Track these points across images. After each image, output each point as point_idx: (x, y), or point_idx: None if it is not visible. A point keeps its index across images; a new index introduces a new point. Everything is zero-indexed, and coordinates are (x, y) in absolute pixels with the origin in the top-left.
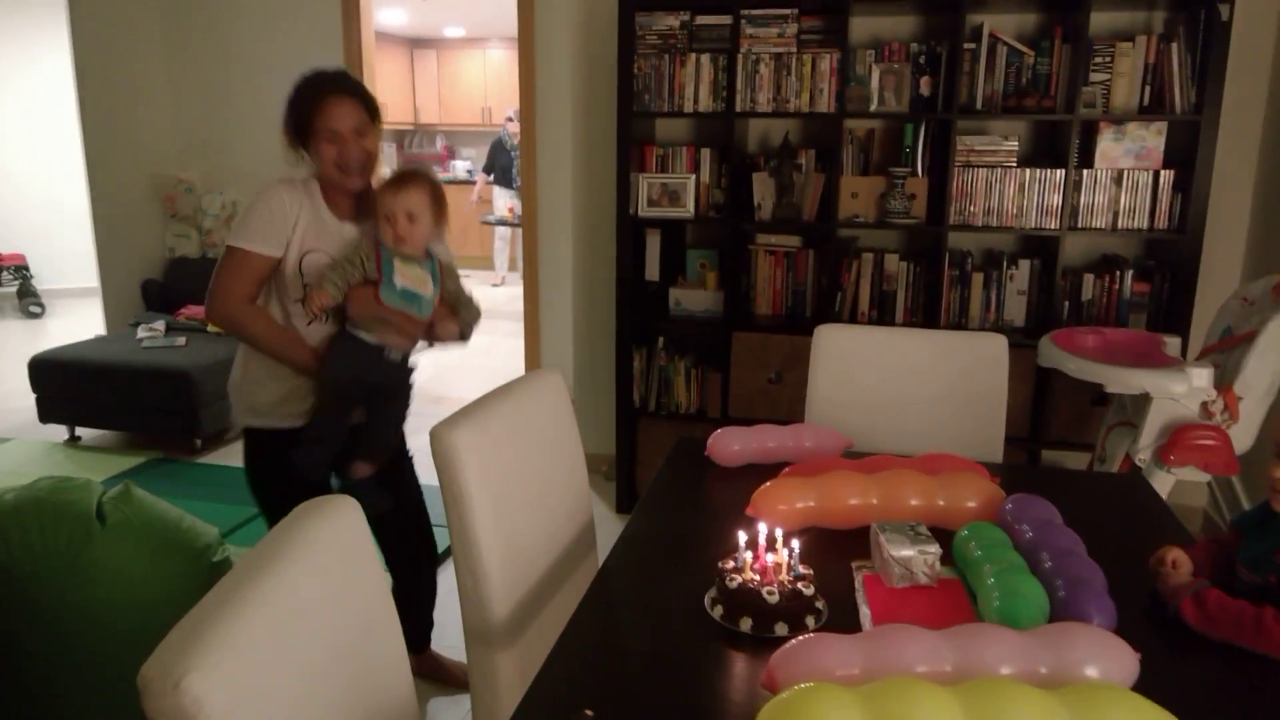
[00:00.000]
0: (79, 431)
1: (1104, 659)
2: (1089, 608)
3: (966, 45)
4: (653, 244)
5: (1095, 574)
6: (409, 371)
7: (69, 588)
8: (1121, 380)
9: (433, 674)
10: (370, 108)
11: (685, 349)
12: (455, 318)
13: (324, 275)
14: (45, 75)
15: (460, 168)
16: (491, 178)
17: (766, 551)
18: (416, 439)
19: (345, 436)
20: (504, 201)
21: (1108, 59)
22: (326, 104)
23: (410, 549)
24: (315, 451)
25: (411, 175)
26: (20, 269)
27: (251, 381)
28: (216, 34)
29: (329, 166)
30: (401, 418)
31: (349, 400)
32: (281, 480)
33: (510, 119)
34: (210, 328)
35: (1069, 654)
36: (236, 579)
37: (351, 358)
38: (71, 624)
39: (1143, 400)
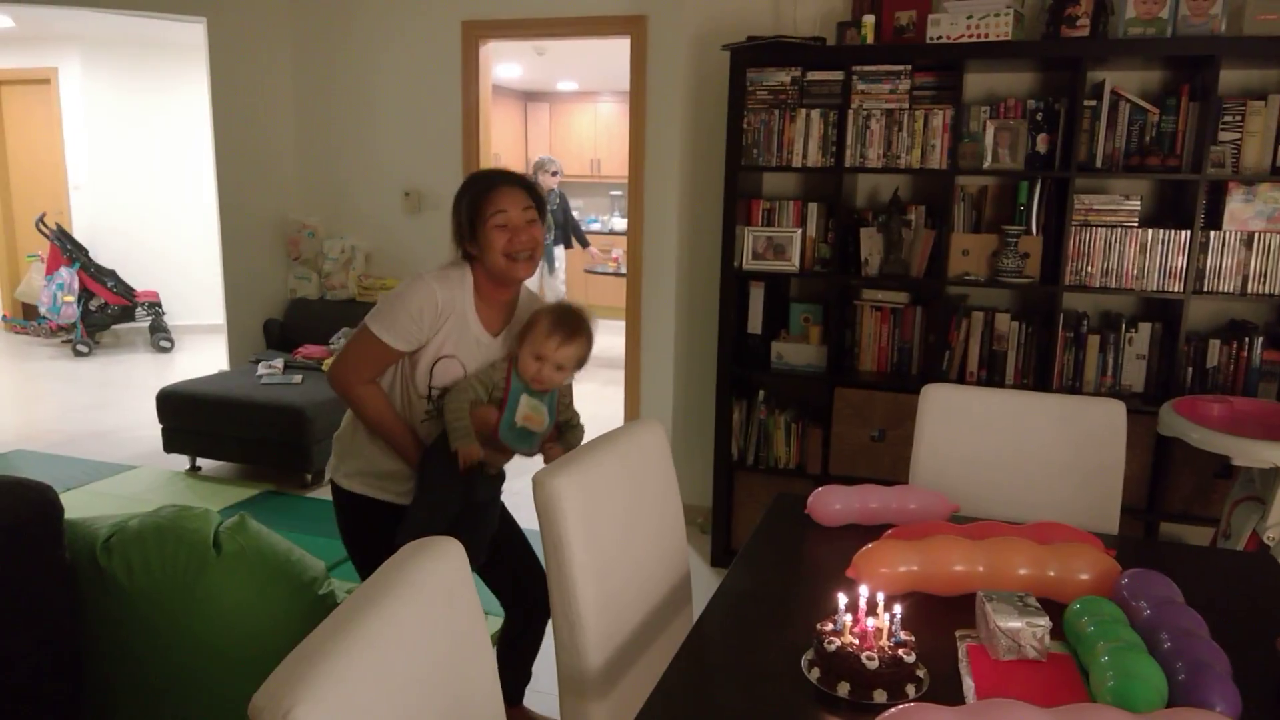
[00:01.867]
0: (199, 462)
1: None
2: (1211, 694)
3: (1087, 102)
4: (756, 297)
5: (1218, 657)
6: (501, 480)
7: (183, 612)
8: (1250, 453)
9: None
10: (537, 197)
11: (786, 403)
12: (559, 442)
13: (454, 391)
14: (183, 120)
15: None
16: None
17: (867, 615)
18: (517, 481)
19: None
20: None
21: (1238, 118)
22: (498, 192)
23: (524, 597)
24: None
25: (579, 329)
26: (154, 305)
27: (361, 446)
28: (343, 86)
29: (497, 255)
30: (493, 525)
31: (447, 511)
32: (374, 544)
33: (542, 168)
34: (325, 367)
35: None
36: (345, 614)
37: (455, 480)
38: (183, 647)
39: (1273, 475)
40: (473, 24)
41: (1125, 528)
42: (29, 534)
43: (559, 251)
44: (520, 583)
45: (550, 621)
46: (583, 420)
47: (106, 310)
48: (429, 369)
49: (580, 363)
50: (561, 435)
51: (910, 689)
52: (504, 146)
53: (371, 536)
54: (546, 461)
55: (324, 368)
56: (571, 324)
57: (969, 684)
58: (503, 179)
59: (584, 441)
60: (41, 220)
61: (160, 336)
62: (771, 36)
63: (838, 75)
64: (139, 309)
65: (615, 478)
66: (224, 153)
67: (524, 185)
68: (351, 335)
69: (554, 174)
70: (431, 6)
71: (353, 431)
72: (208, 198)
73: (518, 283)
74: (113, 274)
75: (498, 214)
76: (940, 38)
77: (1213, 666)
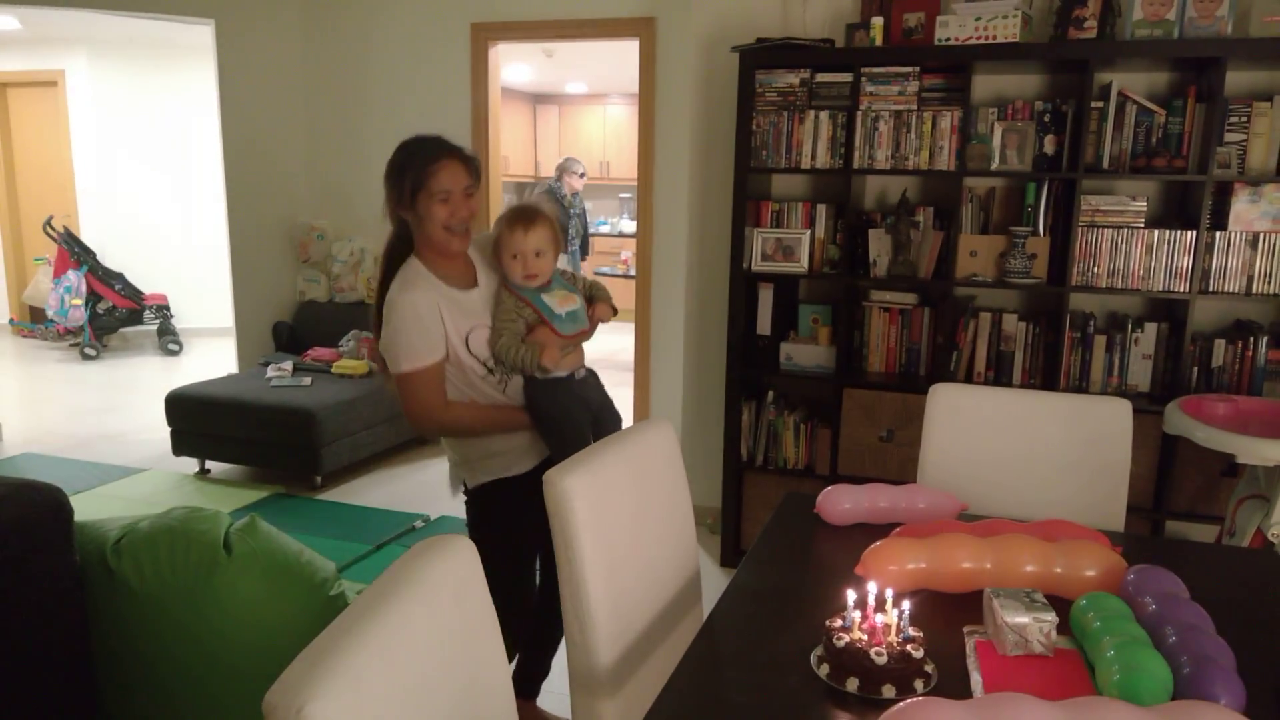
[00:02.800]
0: (209, 464)
1: None
2: (1216, 687)
3: (1094, 104)
4: (765, 298)
5: (1223, 652)
6: (596, 375)
7: (194, 613)
8: (1255, 451)
9: None
10: (474, 169)
11: (795, 404)
12: (602, 303)
13: (497, 341)
14: (191, 122)
15: None
16: None
17: (876, 612)
18: None
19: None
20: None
21: (1244, 119)
22: (439, 166)
23: (554, 584)
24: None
25: (534, 214)
26: (162, 308)
27: (472, 446)
28: (352, 87)
29: (438, 228)
30: (618, 415)
31: (585, 428)
32: (503, 535)
33: (568, 169)
34: (334, 369)
35: None
36: (356, 613)
37: (566, 397)
38: (194, 648)
39: (1277, 473)
40: (482, 26)
41: (1131, 526)
42: (39, 536)
43: (581, 262)
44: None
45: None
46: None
47: (114, 313)
48: (467, 352)
49: (555, 243)
50: (594, 302)
51: (919, 684)
52: (512, 148)
53: (502, 518)
54: (604, 320)
55: (334, 370)
56: (524, 212)
57: (977, 679)
58: (445, 152)
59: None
60: (49, 223)
61: (168, 339)
62: (780, 38)
63: (846, 77)
64: (147, 312)
65: (625, 477)
66: (233, 155)
67: (463, 158)
68: (397, 394)
69: (580, 175)
70: (441, 8)
71: (457, 443)
72: (216, 200)
73: (457, 253)
74: (120, 277)
75: (439, 189)
76: (948, 39)
77: (1217, 660)
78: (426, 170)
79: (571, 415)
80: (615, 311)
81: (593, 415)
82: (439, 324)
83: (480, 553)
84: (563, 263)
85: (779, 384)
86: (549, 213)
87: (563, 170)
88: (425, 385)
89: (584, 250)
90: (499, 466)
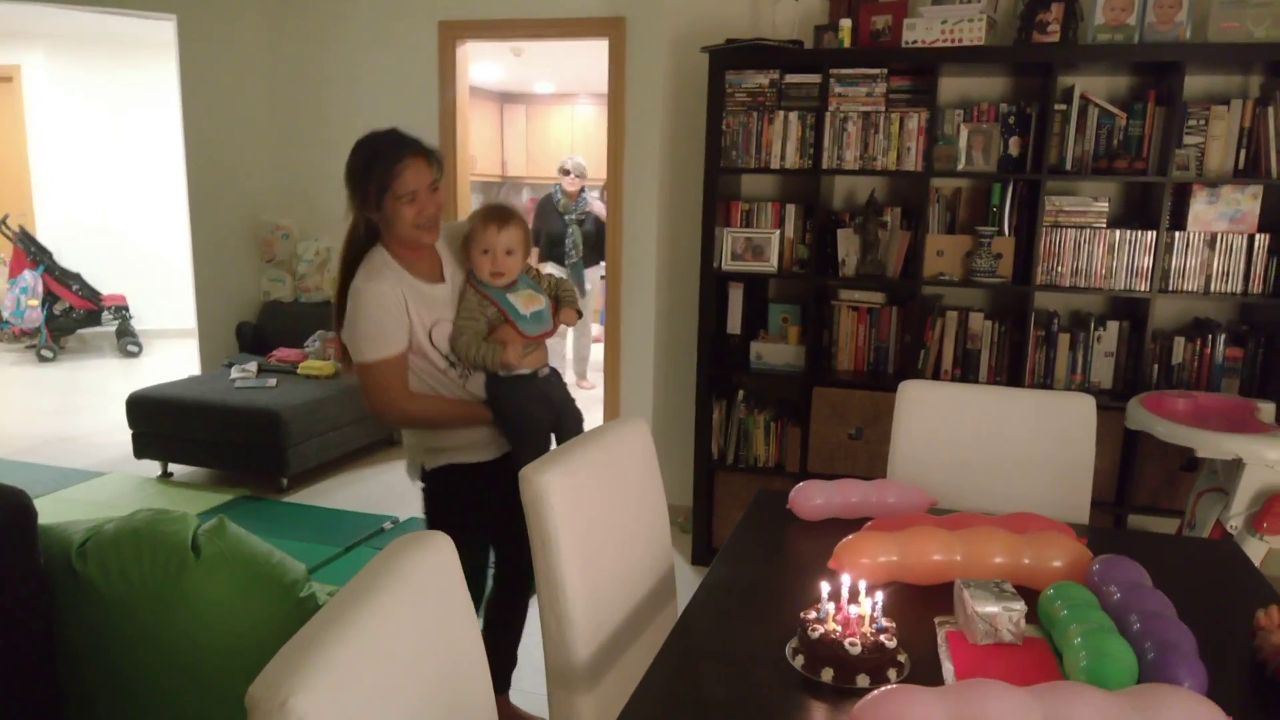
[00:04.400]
0: (171, 468)
1: None
2: (1179, 671)
3: (1057, 106)
4: (735, 298)
5: (1186, 637)
6: (559, 375)
7: (163, 616)
8: (1214, 445)
9: None
10: (436, 163)
11: (765, 402)
12: (568, 308)
13: (457, 339)
14: (152, 120)
15: None
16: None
17: (849, 604)
18: None
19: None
20: None
21: (1202, 122)
22: (403, 166)
23: (515, 574)
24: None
25: (508, 213)
26: (120, 309)
27: (430, 437)
28: (318, 85)
29: (407, 227)
30: (579, 414)
31: (545, 427)
32: (460, 520)
33: (568, 171)
34: (300, 370)
35: (1159, 715)
36: (338, 606)
37: (526, 396)
38: (163, 652)
39: (1235, 466)
40: (450, 24)
41: (1095, 520)
42: (3, 539)
43: (590, 274)
44: (513, 555)
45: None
46: None
47: (72, 314)
48: (430, 345)
49: (526, 244)
50: (561, 305)
51: (892, 673)
52: (479, 148)
53: (458, 502)
54: (568, 324)
55: (299, 371)
56: (499, 211)
57: (948, 667)
58: (407, 149)
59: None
60: (4, 222)
61: (128, 341)
62: (750, 39)
63: (815, 78)
64: (105, 313)
65: (601, 474)
66: (195, 153)
67: (425, 153)
68: (360, 384)
69: (568, 173)
70: (408, 6)
71: (416, 434)
72: (177, 199)
73: (426, 246)
74: (78, 277)
75: (405, 190)
76: (915, 42)
77: (1181, 645)
78: (390, 172)
79: (531, 413)
80: (580, 315)
81: (555, 413)
82: (404, 315)
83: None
84: (560, 274)
85: (749, 383)
86: (520, 214)
87: (564, 173)
88: (387, 375)
89: (591, 259)
90: (458, 453)
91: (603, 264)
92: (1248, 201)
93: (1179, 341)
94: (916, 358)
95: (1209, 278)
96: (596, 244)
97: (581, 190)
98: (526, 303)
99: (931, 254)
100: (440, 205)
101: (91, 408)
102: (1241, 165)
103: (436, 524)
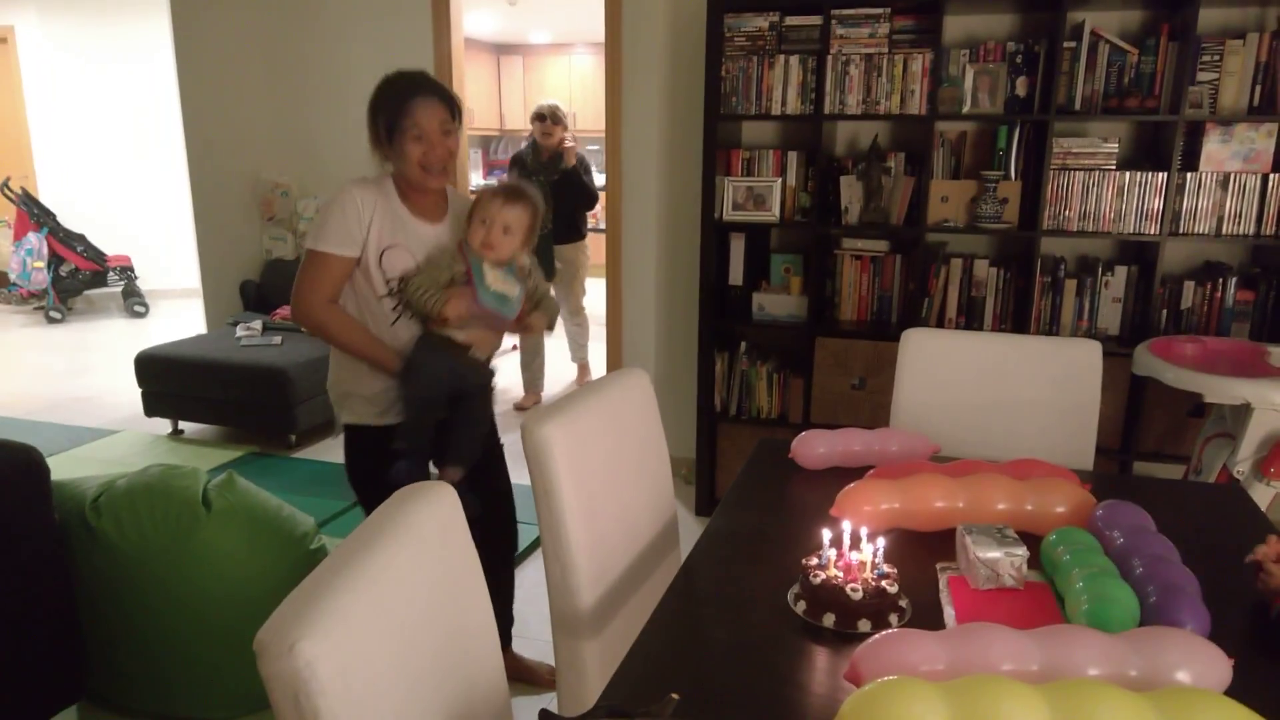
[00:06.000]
0: (181, 425)
1: (1196, 664)
2: (1182, 614)
3: (1066, 44)
4: (737, 248)
5: (1189, 581)
6: (492, 373)
7: (176, 568)
8: (1222, 390)
9: (516, 675)
10: (453, 108)
11: (767, 354)
12: (540, 314)
13: (414, 276)
14: (151, 81)
15: None
16: None
17: (851, 550)
18: (507, 436)
19: (433, 440)
20: None
21: (1216, 57)
22: (414, 104)
23: (494, 541)
24: (408, 464)
25: (522, 193)
26: (126, 270)
27: (346, 381)
28: (313, 43)
29: (413, 166)
30: (488, 419)
31: (437, 405)
32: (379, 477)
33: (542, 117)
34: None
35: (1160, 658)
36: (344, 555)
37: (440, 358)
38: (176, 601)
39: (1243, 411)
40: None
41: (1100, 467)
42: (17, 495)
43: (568, 252)
44: (489, 523)
45: (543, 565)
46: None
47: (78, 276)
48: (378, 262)
49: (528, 231)
50: (537, 308)
51: (893, 618)
52: (476, 101)
53: (373, 467)
54: (533, 332)
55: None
56: (512, 188)
57: (950, 612)
58: (421, 89)
59: (570, 392)
60: (6, 184)
61: (134, 301)
62: None
63: (816, 20)
64: (111, 274)
65: (602, 424)
66: (192, 112)
67: (441, 96)
68: (299, 267)
69: (543, 119)
70: None
71: (337, 374)
72: (178, 158)
73: (432, 192)
74: (82, 238)
75: (414, 127)
76: None
77: (1184, 589)
78: (402, 108)
79: (436, 386)
80: (551, 329)
81: (461, 402)
82: (364, 225)
83: (358, 497)
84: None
85: (751, 334)
86: (536, 200)
87: (539, 118)
88: (322, 273)
89: (566, 232)
90: (368, 412)
91: (584, 242)
92: (1262, 140)
93: (1189, 286)
94: (920, 306)
95: (1221, 219)
96: (572, 216)
97: (562, 142)
98: (498, 282)
99: (936, 200)
100: (452, 152)
101: (101, 367)
102: (1257, 102)
103: (354, 483)
